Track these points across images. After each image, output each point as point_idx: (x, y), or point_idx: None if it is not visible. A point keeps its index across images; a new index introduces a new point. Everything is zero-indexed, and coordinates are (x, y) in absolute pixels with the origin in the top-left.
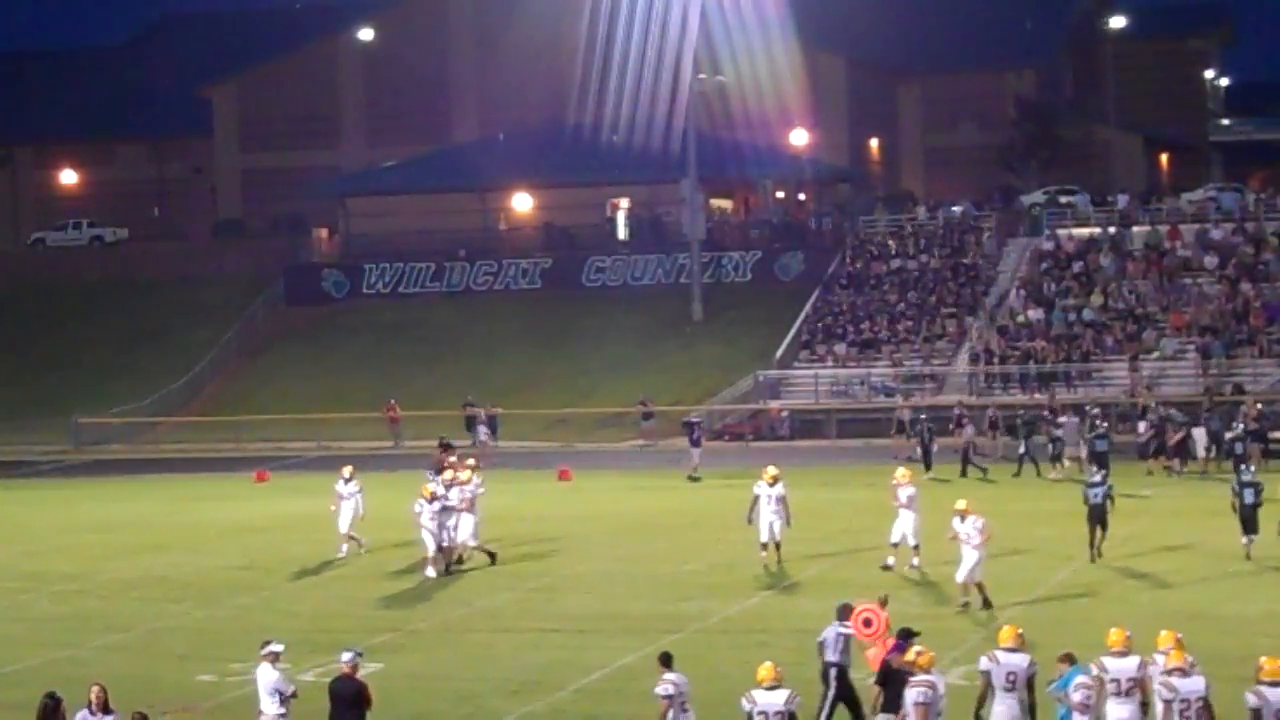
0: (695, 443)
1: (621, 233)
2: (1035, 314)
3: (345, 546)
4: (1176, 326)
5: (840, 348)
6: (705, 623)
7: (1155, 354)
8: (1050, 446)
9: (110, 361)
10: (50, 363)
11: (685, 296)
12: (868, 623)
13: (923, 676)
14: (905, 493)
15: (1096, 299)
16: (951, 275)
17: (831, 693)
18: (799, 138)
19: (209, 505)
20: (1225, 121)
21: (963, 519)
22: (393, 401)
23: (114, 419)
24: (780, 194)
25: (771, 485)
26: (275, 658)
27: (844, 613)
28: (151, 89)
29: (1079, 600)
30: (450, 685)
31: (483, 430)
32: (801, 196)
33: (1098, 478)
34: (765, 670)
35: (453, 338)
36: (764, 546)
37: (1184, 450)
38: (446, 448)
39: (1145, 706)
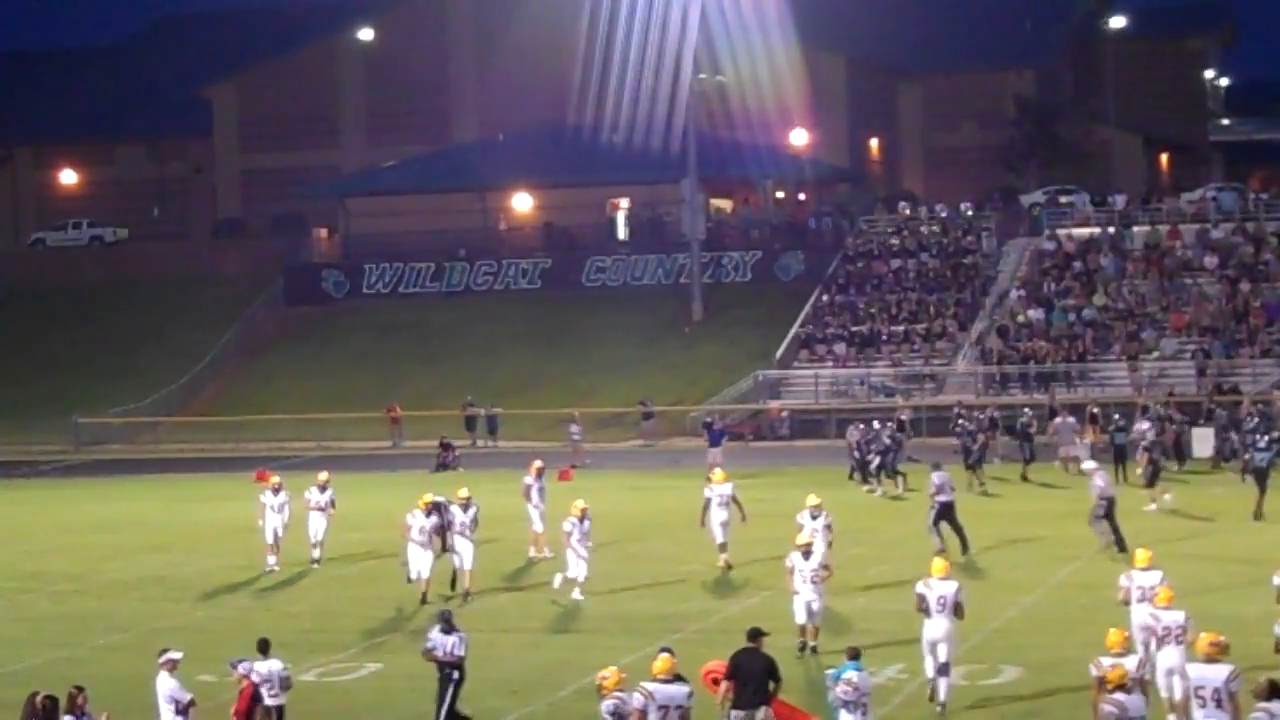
0: (715, 441)
1: (621, 233)
2: (1035, 314)
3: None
4: (1176, 326)
5: (840, 348)
6: (705, 623)
7: (1155, 354)
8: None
9: (110, 361)
10: (50, 363)
11: (685, 296)
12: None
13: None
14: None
15: (1097, 299)
16: (951, 275)
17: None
18: (799, 138)
19: (209, 505)
20: (1225, 121)
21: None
22: (393, 402)
23: (114, 419)
24: (780, 194)
25: (724, 485)
26: (173, 666)
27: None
28: (151, 89)
29: (1079, 600)
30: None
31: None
32: (801, 196)
33: (1263, 442)
34: (662, 662)
35: (453, 338)
36: (723, 548)
37: (1181, 450)
38: (447, 447)
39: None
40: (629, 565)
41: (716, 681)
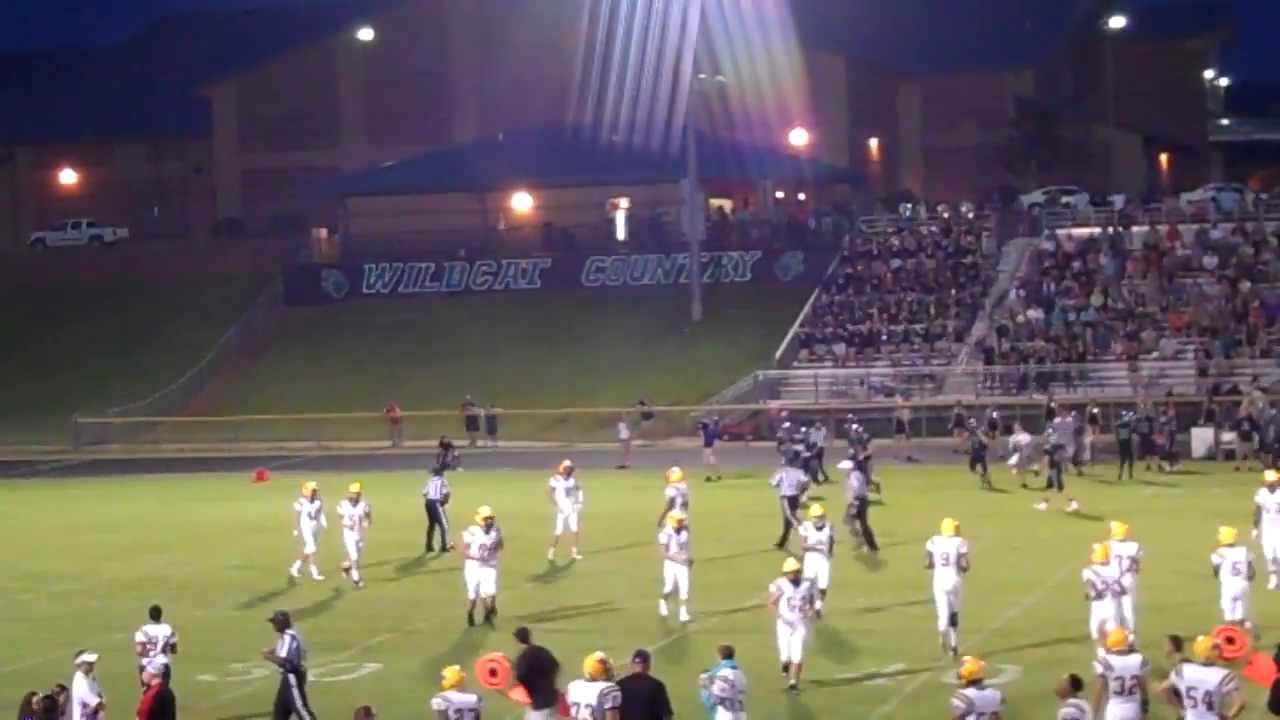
0: (708, 442)
1: (621, 233)
2: (1035, 314)
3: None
4: (1176, 326)
5: (840, 348)
6: (704, 623)
7: (1155, 354)
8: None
9: (110, 361)
10: (50, 363)
11: (685, 296)
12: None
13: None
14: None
15: (1096, 299)
16: (951, 275)
17: None
18: (799, 138)
19: (209, 505)
20: (1225, 121)
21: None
22: (393, 402)
23: (114, 419)
24: (780, 194)
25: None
26: (88, 668)
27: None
28: (151, 89)
29: (1079, 600)
30: None
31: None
32: (801, 196)
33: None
34: (449, 674)
35: (453, 338)
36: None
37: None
38: (447, 447)
39: (1146, 705)
40: (629, 565)
41: (494, 673)
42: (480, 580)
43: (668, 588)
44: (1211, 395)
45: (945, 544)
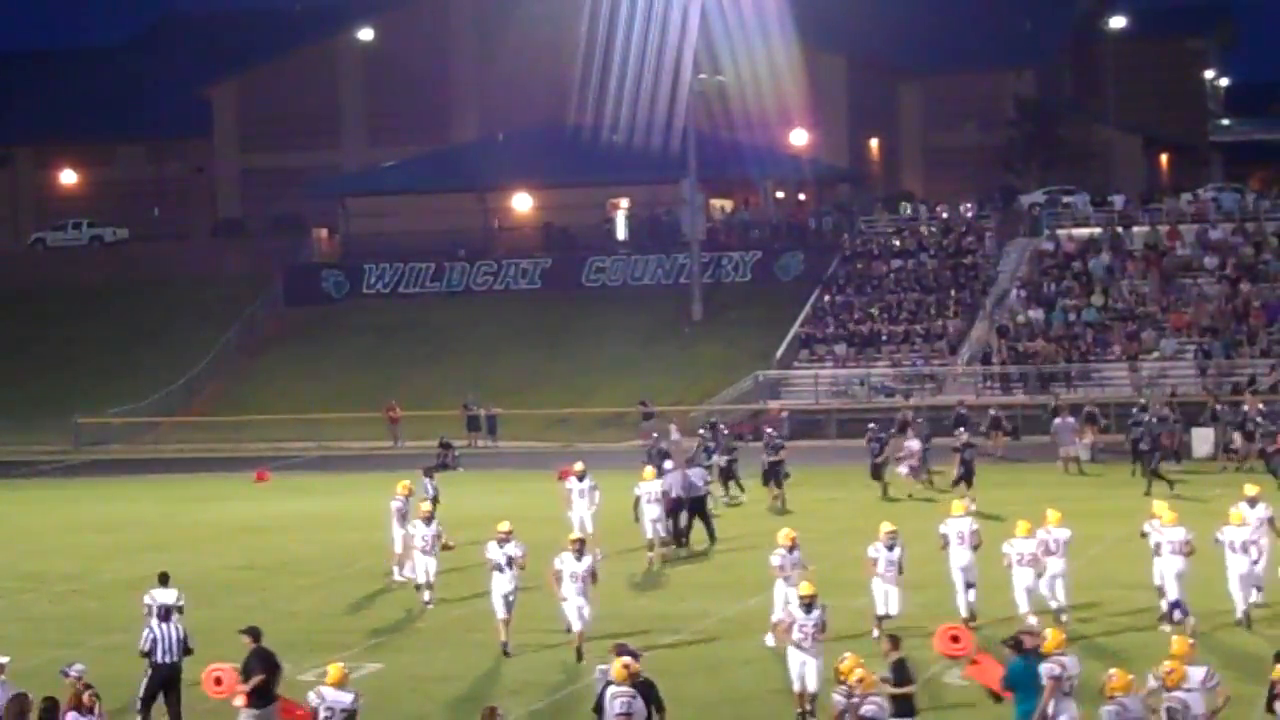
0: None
1: (621, 233)
2: (1035, 314)
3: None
4: (1176, 326)
5: (840, 348)
6: (705, 622)
7: (1155, 354)
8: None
9: (110, 361)
10: (50, 363)
11: (685, 296)
12: (955, 639)
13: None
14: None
15: (1096, 299)
16: (951, 275)
17: None
18: (799, 138)
19: (209, 505)
20: (1225, 121)
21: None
22: (393, 402)
23: (114, 419)
24: (780, 194)
25: (651, 483)
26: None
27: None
28: (151, 89)
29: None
30: (450, 685)
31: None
32: (801, 196)
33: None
34: (332, 670)
35: (453, 338)
36: (649, 546)
37: (1178, 450)
38: (447, 447)
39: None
40: (629, 565)
41: (219, 681)
42: (582, 607)
43: (777, 615)
44: (1215, 396)
45: (957, 524)
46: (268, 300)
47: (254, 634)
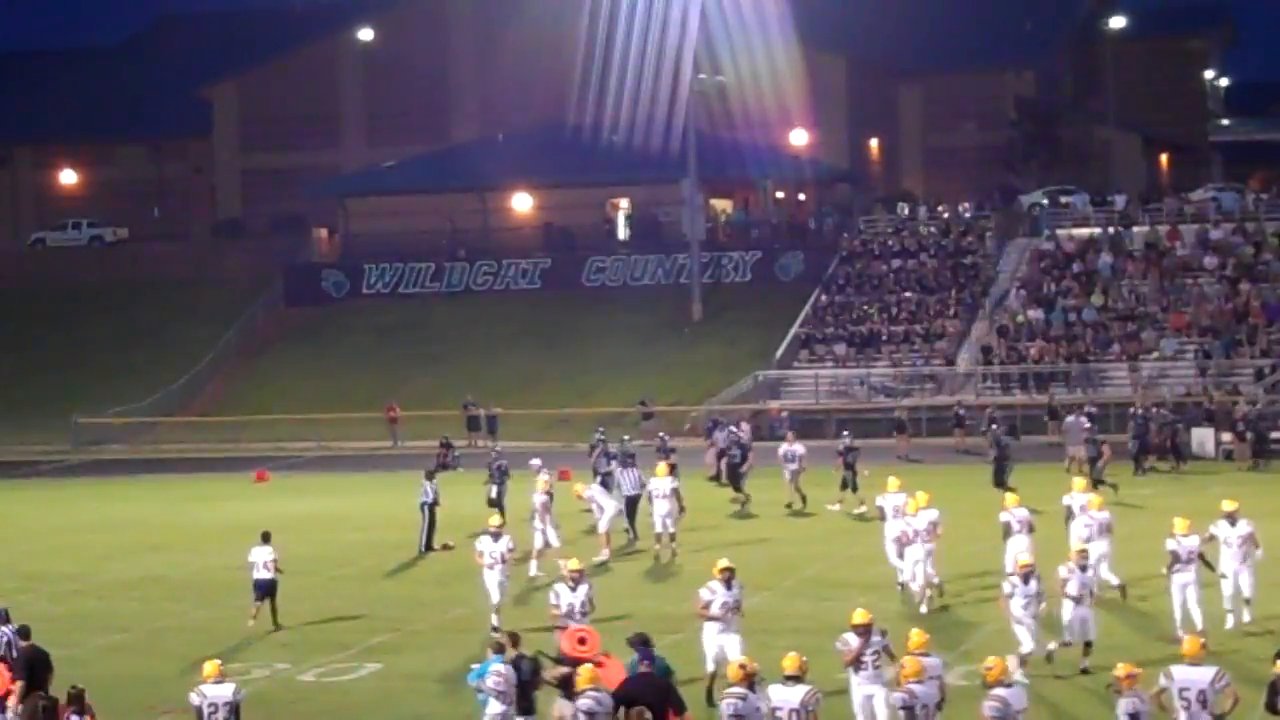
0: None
1: (621, 233)
2: (1035, 314)
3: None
4: (1176, 326)
5: (840, 348)
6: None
7: (1155, 354)
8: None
9: (110, 361)
10: (50, 363)
11: (685, 296)
12: (582, 641)
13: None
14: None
15: (1096, 299)
16: (951, 275)
17: None
18: (799, 138)
19: (209, 505)
20: (1225, 121)
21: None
22: (392, 402)
23: (114, 419)
24: (780, 194)
25: (663, 479)
26: None
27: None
28: (151, 89)
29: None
30: (450, 685)
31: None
32: (801, 196)
33: None
34: (208, 667)
35: (453, 338)
36: (657, 539)
37: (1178, 449)
38: (448, 447)
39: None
40: (628, 565)
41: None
42: (724, 646)
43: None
44: (1213, 396)
45: (925, 515)
46: (268, 300)
47: (24, 633)
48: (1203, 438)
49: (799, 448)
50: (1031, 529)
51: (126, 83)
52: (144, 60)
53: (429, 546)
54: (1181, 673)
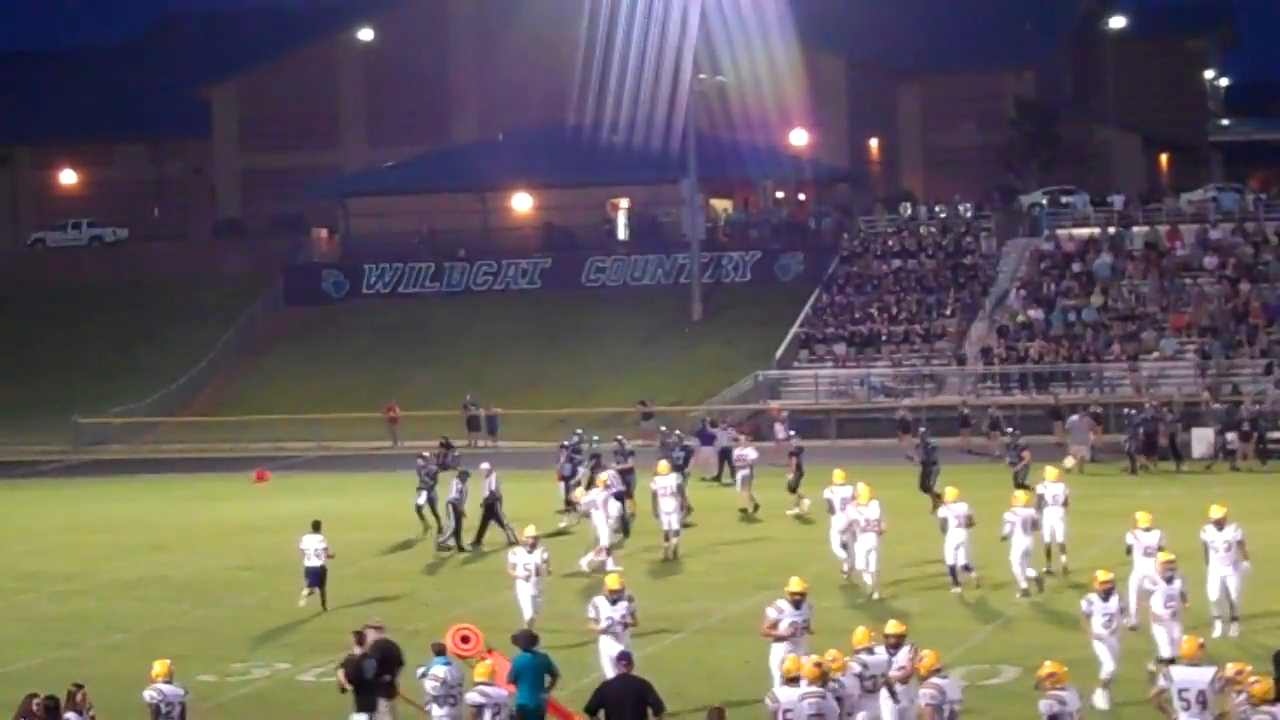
0: (706, 441)
1: (621, 233)
2: (1035, 314)
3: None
4: (1176, 326)
5: (840, 348)
6: (705, 622)
7: (1155, 354)
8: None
9: (110, 361)
10: (50, 363)
11: (685, 296)
12: (465, 639)
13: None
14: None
15: (1096, 299)
16: (951, 275)
17: None
18: (799, 138)
19: (209, 505)
20: (1225, 121)
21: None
22: (392, 402)
23: (114, 419)
24: (780, 194)
25: (667, 476)
26: None
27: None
28: (151, 89)
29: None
30: None
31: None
32: (801, 196)
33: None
34: (158, 666)
35: (453, 338)
36: (666, 537)
37: (1177, 450)
38: (448, 447)
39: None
40: (628, 565)
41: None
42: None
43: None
44: (1214, 395)
45: (956, 508)
46: (268, 300)
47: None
48: (1203, 438)
49: (751, 452)
50: (1035, 526)
51: (126, 83)
52: (144, 60)
53: (477, 541)
54: (1181, 673)
